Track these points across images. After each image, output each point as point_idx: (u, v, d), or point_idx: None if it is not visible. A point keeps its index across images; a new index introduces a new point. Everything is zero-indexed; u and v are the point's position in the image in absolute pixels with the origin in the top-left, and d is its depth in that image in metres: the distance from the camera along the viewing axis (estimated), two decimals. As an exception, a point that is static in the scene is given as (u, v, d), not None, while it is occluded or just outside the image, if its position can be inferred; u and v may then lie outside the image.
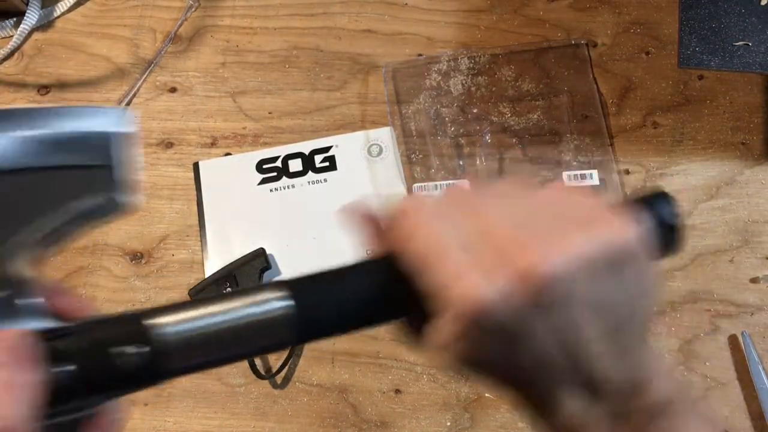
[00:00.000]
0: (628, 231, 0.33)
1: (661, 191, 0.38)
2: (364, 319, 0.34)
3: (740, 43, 0.73)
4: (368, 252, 0.36)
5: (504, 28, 0.85)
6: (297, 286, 0.33)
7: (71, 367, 0.27)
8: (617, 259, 0.32)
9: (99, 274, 0.78)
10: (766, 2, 0.75)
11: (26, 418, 0.26)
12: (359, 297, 0.33)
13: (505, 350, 0.32)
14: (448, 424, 0.71)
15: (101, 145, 0.29)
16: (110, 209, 0.30)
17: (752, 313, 0.73)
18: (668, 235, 0.36)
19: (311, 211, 0.79)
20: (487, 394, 0.71)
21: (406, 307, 0.33)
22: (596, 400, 0.33)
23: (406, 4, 0.87)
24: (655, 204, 0.37)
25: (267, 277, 0.76)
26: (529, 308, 0.31)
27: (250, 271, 0.75)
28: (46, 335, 0.28)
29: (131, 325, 0.29)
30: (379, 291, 0.33)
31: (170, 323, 0.29)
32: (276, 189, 0.80)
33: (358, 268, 0.34)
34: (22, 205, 0.28)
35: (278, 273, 0.77)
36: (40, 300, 0.30)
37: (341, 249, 0.78)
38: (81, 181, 0.29)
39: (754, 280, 0.74)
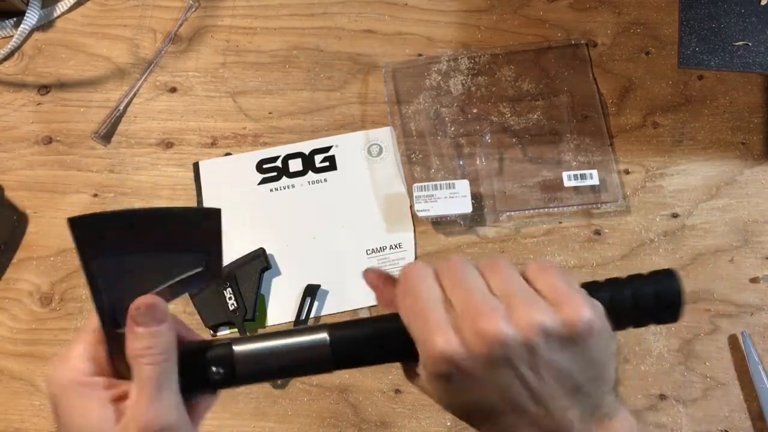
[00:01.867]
0: (589, 313, 0.38)
1: (670, 270, 0.44)
2: (381, 358, 0.44)
3: (740, 43, 0.73)
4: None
5: (504, 28, 0.85)
6: (334, 328, 0.42)
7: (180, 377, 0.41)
8: (577, 335, 0.38)
9: (99, 274, 0.78)
10: (766, 2, 0.75)
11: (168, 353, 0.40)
12: (377, 341, 0.43)
13: (475, 395, 0.39)
14: (448, 424, 0.71)
15: (200, 237, 0.42)
16: (204, 279, 0.43)
17: (752, 313, 0.73)
18: (672, 307, 0.43)
19: (311, 211, 0.79)
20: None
21: (407, 352, 0.41)
22: None
23: (406, 4, 0.87)
24: (662, 281, 0.43)
25: (267, 277, 0.76)
26: (493, 361, 0.37)
27: (250, 271, 0.75)
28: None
29: (219, 350, 0.42)
30: (390, 338, 0.42)
31: (242, 350, 0.42)
32: (276, 189, 0.80)
33: (379, 319, 0.43)
34: (147, 277, 0.41)
35: (278, 273, 0.77)
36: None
37: (341, 249, 0.78)
38: (185, 259, 0.42)
39: (754, 280, 0.74)
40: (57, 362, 0.42)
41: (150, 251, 0.41)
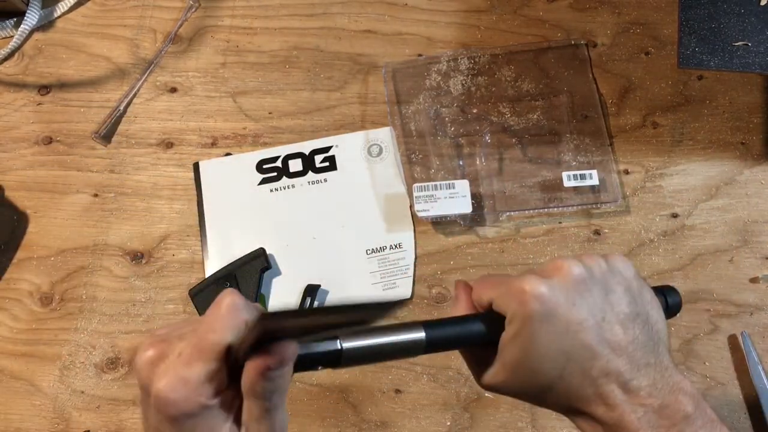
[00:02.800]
0: (632, 267, 0.48)
1: (671, 286, 0.53)
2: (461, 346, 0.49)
3: (740, 43, 0.73)
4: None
5: (504, 28, 0.85)
6: (429, 328, 0.46)
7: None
8: (628, 281, 0.47)
9: (99, 274, 0.78)
10: (765, 2, 0.75)
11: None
12: (464, 338, 0.47)
13: (560, 338, 0.43)
14: (448, 423, 0.71)
15: None
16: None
17: (752, 313, 0.73)
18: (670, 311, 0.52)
19: (311, 211, 0.79)
20: (487, 394, 0.72)
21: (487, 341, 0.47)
22: (638, 397, 0.43)
23: (406, 4, 0.87)
24: (664, 290, 0.52)
25: (267, 276, 0.76)
26: (572, 293, 0.44)
27: (251, 271, 0.75)
28: None
29: (326, 348, 0.43)
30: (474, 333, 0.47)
31: (350, 347, 0.43)
32: (276, 189, 0.80)
33: (465, 319, 0.48)
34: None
35: (278, 273, 0.77)
36: None
37: (341, 249, 0.78)
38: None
39: (754, 280, 0.74)
40: (173, 381, 0.39)
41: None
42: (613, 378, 0.43)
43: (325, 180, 0.80)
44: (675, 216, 0.77)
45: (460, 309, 0.49)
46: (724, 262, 0.75)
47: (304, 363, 0.42)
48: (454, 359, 0.73)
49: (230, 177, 0.81)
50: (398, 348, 0.45)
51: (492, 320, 0.47)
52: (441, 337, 0.46)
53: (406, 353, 0.46)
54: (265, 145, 0.82)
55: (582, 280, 0.45)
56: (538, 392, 0.46)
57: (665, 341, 0.46)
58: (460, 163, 0.79)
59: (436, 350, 0.47)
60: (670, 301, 0.51)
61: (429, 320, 0.47)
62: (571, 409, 0.45)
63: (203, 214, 0.80)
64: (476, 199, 0.77)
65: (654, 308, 0.47)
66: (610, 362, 0.43)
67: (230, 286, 0.74)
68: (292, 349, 0.39)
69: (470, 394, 0.72)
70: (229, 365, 0.40)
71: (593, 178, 0.77)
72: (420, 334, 0.46)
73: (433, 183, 0.77)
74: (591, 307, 0.44)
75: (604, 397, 0.43)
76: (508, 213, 0.77)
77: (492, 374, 0.46)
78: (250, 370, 0.38)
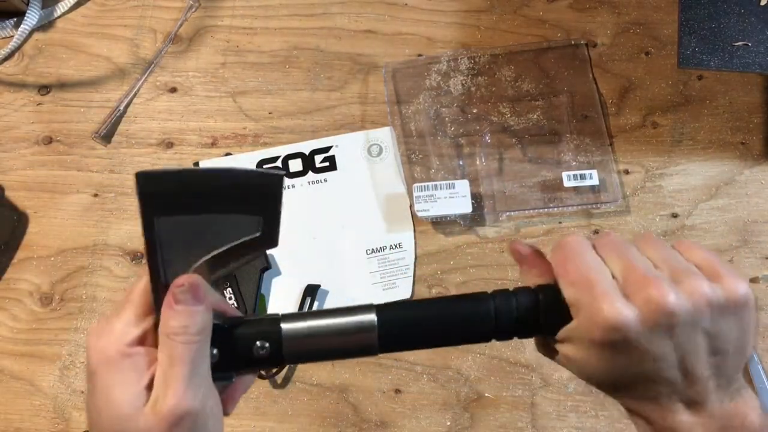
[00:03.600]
0: (746, 286, 0.40)
1: None
2: (426, 342, 0.44)
3: (740, 43, 0.73)
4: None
5: (504, 29, 0.85)
6: (382, 307, 0.42)
7: (219, 351, 0.40)
8: (736, 306, 0.39)
9: (99, 274, 0.78)
10: (765, 2, 0.75)
11: (201, 332, 0.39)
12: (433, 319, 0.43)
13: (632, 365, 0.39)
14: (448, 423, 0.71)
15: (260, 200, 0.41)
16: (261, 245, 0.41)
17: (752, 313, 0.73)
18: None
19: (311, 211, 0.79)
20: (487, 394, 0.72)
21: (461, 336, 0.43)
22: (700, 417, 0.40)
23: (406, 4, 0.87)
24: None
25: (267, 276, 0.76)
26: (658, 329, 0.38)
27: (250, 271, 0.75)
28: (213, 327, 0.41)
29: (265, 327, 0.41)
30: (435, 321, 0.43)
31: (291, 328, 0.41)
32: (276, 189, 0.80)
33: (433, 300, 0.45)
34: (206, 239, 0.40)
35: (278, 273, 0.77)
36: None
37: (341, 249, 0.78)
38: (244, 223, 0.41)
39: (754, 280, 0.74)
40: (100, 329, 0.40)
41: (209, 212, 0.40)
42: (679, 399, 0.40)
43: (325, 180, 0.80)
44: (675, 216, 0.77)
45: (533, 277, 0.44)
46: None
47: (245, 340, 0.41)
48: (455, 359, 0.73)
49: (230, 177, 0.81)
50: (346, 331, 0.41)
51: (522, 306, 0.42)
52: (398, 322, 0.42)
53: (358, 344, 0.42)
54: (265, 145, 0.82)
55: (678, 319, 0.38)
56: (600, 388, 0.43)
57: (746, 362, 0.42)
58: (460, 163, 0.79)
59: (393, 342, 0.42)
60: None
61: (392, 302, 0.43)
62: (630, 408, 0.43)
63: (203, 214, 0.79)
64: (476, 199, 0.77)
65: (753, 335, 0.41)
66: (682, 390, 0.40)
67: (230, 286, 0.74)
68: (198, 280, 0.39)
69: (470, 394, 0.72)
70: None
71: (593, 178, 0.77)
72: (371, 316, 0.41)
73: (433, 183, 0.77)
74: (678, 342, 0.39)
75: (667, 413, 0.41)
76: (508, 213, 0.77)
77: (568, 356, 0.42)
78: (164, 304, 0.39)
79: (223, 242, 0.40)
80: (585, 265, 0.40)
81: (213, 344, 0.40)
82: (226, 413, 0.42)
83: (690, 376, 0.39)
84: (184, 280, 0.39)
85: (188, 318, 0.39)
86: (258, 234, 0.41)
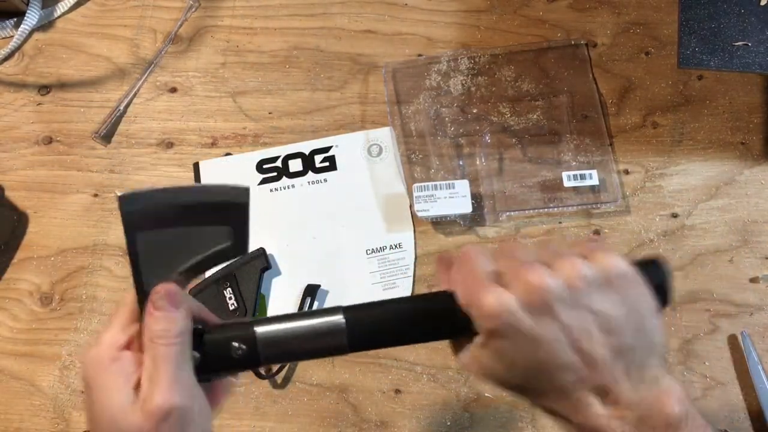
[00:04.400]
0: (624, 263, 0.42)
1: (656, 257, 0.45)
2: (397, 340, 0.46)
3: (740, 43, 0.73)
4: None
5: (504, 29, 0.85)
6: (350, 308, 0.45)
7: (200, 354, 0.43)
8: (614, 280, 0.41)
9: (99, 274, 0.78)
10: (765, 2, 0.75)
11: (182, 340, 0.42)
12: (398, 318, 0.45)
13: (527, 353, 0.41)
14: (448, 423, 0.71)
15: (230, 212, 0.45)
16: (232, 253, 0.45)
17: (752, 313, 0.73)
18: (660, 293, 0.44)
19: (311, 211, 0.79)
20: (486, 394, 0.72)
21: (442, 329, 0.45)
22: (616, 409, 0.41)
23: (406, 4, 0.87)
24: (649, 268, 0.44)
25: (267, 276, 0.76)
26: (538, 311, 0.40)
27: (251, 271, 0.75)
28: (194, 331, 0.44)
29: (240, 331, 0.44)
30: (413, 315, 0.45)
31: (264, 331, 0.44)
32: (276, 189, 0.80)
33: (395, 301, 0.46)
34: (183, 250, 0.44)
35: (278, 273, 0.77)
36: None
37: (341, 249, 0.78)
38: (216, 233, 0.45)
39: (754, 280, 0.74)
40: (92, 341, 0.44)
41: (184, 226, 0.44)
42: (589, 389, 0.41)
43: (325, 180, 0.80)
44: (675, 216, 0.77)
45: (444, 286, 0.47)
46: (724, 262, 0.75)
47: (223, 342, 0.44)
48: (455, 359, 0.73)
49: (230, 177, 0.81)
50: (317, 333, 0.44)
51: (447, 310, 0.44)
52: (365, 322, 0.44)
53: (329, 344, 0.44)
54: (265, 145, 0.82)
55: (554, 294, 0.40)
56: (513, 392, 0.44)
57: (659, 349, 0.42)
58: (460, 163, 0.79)
59: (363, 342, 0.45)
60: (656, 281, 0.44)
61: (359, 304, 0.45)
62: (548, 410, 0.44)
63: (203, 214, 0.79)
64: (476, 199, 0.77)
65: (648, 314, 0.42)
66: (586, 376, 0.40)
67: (230, 286, 0.74)
68: (174, 287, 0.43)
69: (470, 394, 0.72)
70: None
71: (593, 178, 0.77)
72: (338, 317, 0.44)
73: (433, 183, 0.77)
74: (564, 322, 0.40)
75: (581, 407, 0.41)
76: (508, 213, 0.77)
77: (466, 362, 0.45)
78: (146, 311, 0.43)
79: (198, 252, 0.44)
80: (472, 269, 0.43)
81: (195, 348, 0.43)
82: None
83: (588, 357, 0.40)
84: (161, 288, 0.43)
85: (168, 322, 0.42)
86: (229, 243, 0.45)
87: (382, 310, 0.45)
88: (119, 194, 0.43)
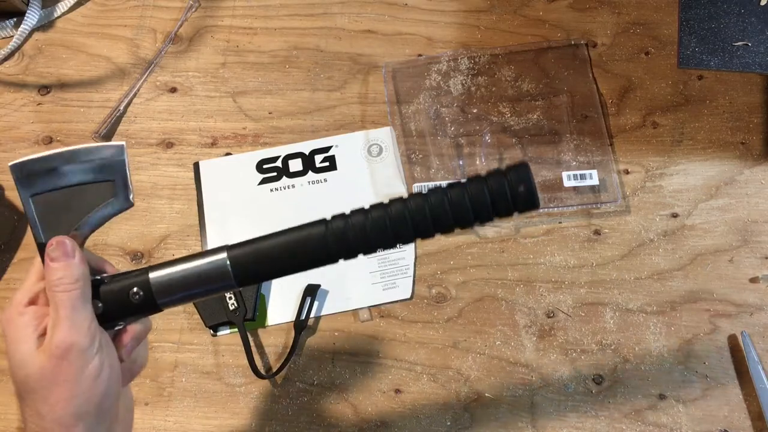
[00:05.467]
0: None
1: (521, 162, 0.47)
2: (283, 269, 0.49)
3: (740, 43, 0.73)
4: None
5: (504, 28, 0.85)
6: (233, 247, 0.49)
7: (102, 303, 0.49)
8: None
9: (99, 274, 0.78)
10: (765, 2, 0.75)
11: (80, 288, 0.47)
12: (276, 248, 0.49)
13: None
14: (448, 423, 0.71)
15: (111, 169, 0.50)
16: (118, 206, 0.50)
17: (752, 313, 0.73)
18: (525, 195, 0.46)
19: (311, 211, 0.79)
20: (486, 394, 0.72)
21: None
22: None
23: (406, 4, 0.87)
24: (513, 172, 0.47)
25: (267, 276, 0.76)
26: None
27: (250, 270, 0.75)
28: (94, 282, 0.49)
29: (136, 278, 0.49)
30: (291, 247, 0.50)
31: (157, 276, 0.49)
32: (276, 189, 0.80)
33: (277, 232, 0.49)
34: (75, 207, 0.49)
35: (278, 273, 0.77)
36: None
37: (341, 249, 0.78)
38: (103, 190, 0.50)
39: (754, 280, 0.74)
40: (6, 304, 0.49)
41: (71, 185, 0.49)
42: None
43: (325, 180, 0.80)
44: (675, 216, 0.77)
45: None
46: (724, 262, 0.75)
47: (121, 289, 0.49)
48: (455, 359, 0.73)
49: (230, 177, 0.81)
50: (207, 274, 0.48)
51: None
52: (248, 260, 0.48)
53: (218, 284, 0.48)
54: (265, 145, 0.82)
55: None
56: None
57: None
58: (460, 163, 0.79)
59: (248, 279, 0.48)
60: (523, 182, 0.46)
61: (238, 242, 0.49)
62: None
63: (203, 214, 0.80)
64: (476, 199, 0.77)
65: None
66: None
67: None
68: (64, 238, 0.48)
69: (470, 394, 0.72)
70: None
71: (593, 178, 0.77)
72: (222, 255, 0.48)
73: (433, 183, 0.77)
74: None
75: None
76: (508, 213, 0.77)
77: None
78: (45, 265, 0.47)
79: (89, 209, 0.49)
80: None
81: (97, 297, 0.48)
82: (120, 359, 0.50)
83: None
84: (53, 240, 0.48)
85: (63, 270, 0.47)
86: (113, 198, 0.50)
87: (261, 246, 0.48)
88: (10, 164, 0.48)
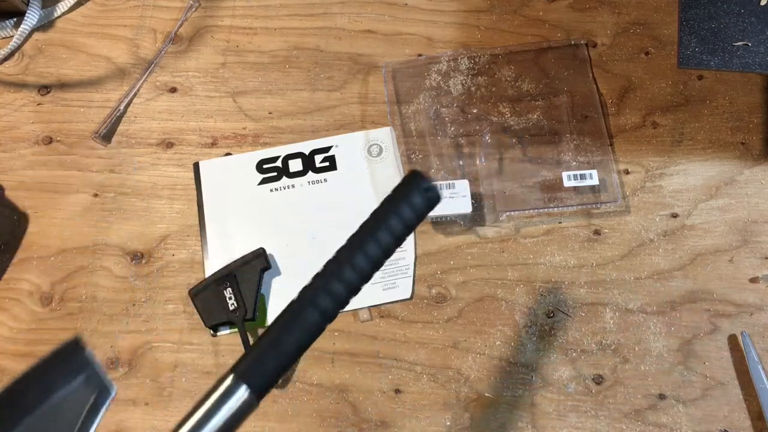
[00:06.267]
0: None
1: (415, 171, 0.48)
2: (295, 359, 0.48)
3: (740, 43, 0.73)
4: None
5: (504, 28, 0.85)
6: (241, 374, 0.45)
7: None
8: None
9: (99, 274, 0.78)
10: (765, 2, 0.75)
11: None
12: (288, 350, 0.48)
13: None
14: (448, 423, 0.71)
15: (77, 364, 0.44)
16: (103, 397, 0.44)
17: (751, 313, 0.73)
18: (428, 196, 0.48)
19: (311, 211, 0.79)
20: (486, 394, 0.72)
21: None
22: None
23: (406, 4, 0.87)
24: (412, 180, 0.48)
25: (267, 276, 0.76)
26: None
27: (250, 271, 0.75)
28: None
29: None
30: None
31: None
32: (276, 189, 0.80)
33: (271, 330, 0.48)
34: (62, 421, 0.42)
35: (278, 273, 0.77)
36: None
37: (341, 249, 0.78)
38: (77, 391, 0.43)
39: (754, 280, 0.74)
40: None
41: (41, 405, 0.43)
42: None
43: (325, 180, 0.80)
44: (675, 216, 0.77)
45: None
46: (724, 262, 0.75)
47: None
48: (455, 359, 0.73)
49: (230, 177, 0.81)
50: (232, 418, 0.43)
51: None
52: (266, 374, 0.44)
53: (241, 413, 0.44)
54: (265, 145, 0.82)
55: None
56: None
57: None
58: (460, 163, 0.79)
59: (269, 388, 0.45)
60: (423, 187, 0.48)
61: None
62: None
63: (203, 214, 0.80)
64: (476, 199, 0.77)
65: None
66: None
67: (230, 286, 0.74)
68: None
69: (470, 394, 0.72)
70: None
71: (593, 178, 0.77)
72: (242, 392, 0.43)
73: (433, 183, 0.76)
74: None
75: None
76: (508, 213, 0.77)
77: None
78: None
79: (76, 419, 0.43)
80: None
81: None
82: None
83: None
84: None
85: None
86: (95, 395, 0.43)
87: (272, 362, 0.45)
88: None
